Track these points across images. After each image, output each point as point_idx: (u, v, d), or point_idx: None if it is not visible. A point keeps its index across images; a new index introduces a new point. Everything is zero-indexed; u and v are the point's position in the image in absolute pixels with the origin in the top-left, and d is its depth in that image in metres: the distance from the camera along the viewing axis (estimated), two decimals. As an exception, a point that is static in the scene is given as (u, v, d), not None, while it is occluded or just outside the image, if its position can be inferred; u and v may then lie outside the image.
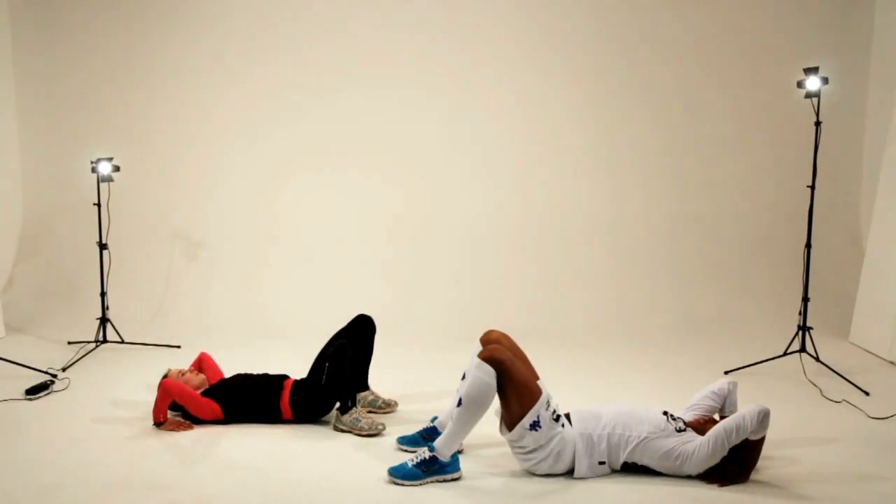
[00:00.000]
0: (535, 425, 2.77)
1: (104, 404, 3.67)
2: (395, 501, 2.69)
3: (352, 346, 3.40)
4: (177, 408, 3.40)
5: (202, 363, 3.72)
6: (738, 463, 2.82)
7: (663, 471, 2.84)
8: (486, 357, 2.76)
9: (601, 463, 2.84)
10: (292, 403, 3.36)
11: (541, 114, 5.58)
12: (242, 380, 3.52)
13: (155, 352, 4.61)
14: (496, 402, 2.85)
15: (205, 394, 3.43)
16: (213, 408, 3.36)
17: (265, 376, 3.53)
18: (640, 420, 2.85)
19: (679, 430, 2.84)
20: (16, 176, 5.62)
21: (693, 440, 2.81)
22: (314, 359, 3.46)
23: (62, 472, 2.88)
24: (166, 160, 5.62)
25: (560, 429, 2.82)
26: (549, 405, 2.82)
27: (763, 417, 2.70)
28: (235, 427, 3.37)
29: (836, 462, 3.02)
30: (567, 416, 2.93)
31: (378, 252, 5.55)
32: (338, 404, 3.34)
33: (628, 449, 2.82)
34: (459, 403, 2.79)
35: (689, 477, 2.81)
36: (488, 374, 2.74)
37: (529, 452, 2.82)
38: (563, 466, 2.84)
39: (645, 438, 2.81)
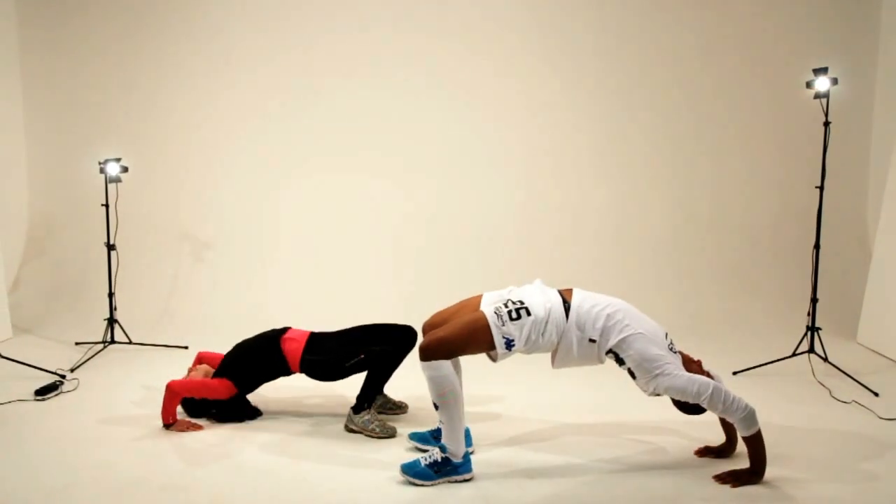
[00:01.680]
0: (508, 344, 2.77)
1: (114, 405, 3.67)
2: (407, 502, 2.68)
3: (393, 356, 3.37)
4: (196, 407, 3.40)
5: (202, 359, 3.74)
6: (687, 410, 2.88)
7: (637, 374, 2.80)
8: (424, 358, 2.75)
9: (591, 340, 2.79)
10: (304, 361, 3.37)
11: (548, 115, 5.58)
12: (241, 348, 3.54)
13: (163, 352, 4.62)
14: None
15: (213, 377, 3.46)
16: (225, 384, 3.38)
17: (260, 336, 3.54)
18: (643, 320, 2.84)
19: (672, 350, 2.84)
20: (22, 177, 5.64)
21: (679, 366, 2.80)
22: (348, 329, 3.47)
23: (75, 473, 2.88)
24: (173, 161, 5.63)
25: (527, 317, 2.77)
26: (500, 319, 2.78)
27: (747, 416, 2.70)
28: (245, 427, 3.37)
29: (847, 463, 3.01)
30: (567, 291, 2.89)
31: (385, 252, 5.55)
32: (353, 401, 3.34)
33: (621, 336, 2.76)
34: (436, 407, 2.80)
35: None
36: (436, 367, 2.74)
37: (527, 352, 2.84)
38: (553, 338, 2.80)
39: (641, 333, 2.77)
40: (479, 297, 2.98)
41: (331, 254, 5.55)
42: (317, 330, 3.57)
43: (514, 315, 2.78)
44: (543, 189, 5.61)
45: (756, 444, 2.76)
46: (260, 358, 3.44)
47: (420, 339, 3.42)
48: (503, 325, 2.77)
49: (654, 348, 2.77)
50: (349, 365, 3.34)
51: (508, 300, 2.84)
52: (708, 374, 2.88)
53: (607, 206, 5.59)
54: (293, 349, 3.40)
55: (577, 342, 2.80)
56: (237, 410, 3.45)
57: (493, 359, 2.89)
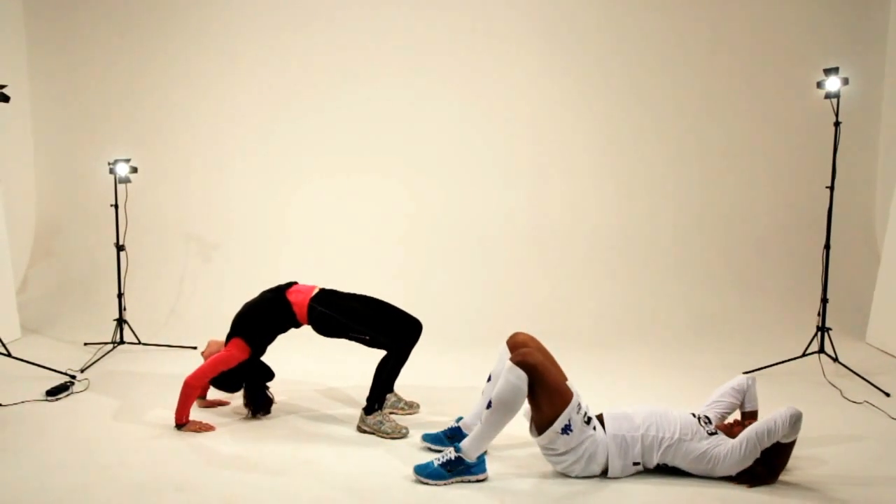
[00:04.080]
0: (566, 429, 2.77)
1: (125, 405, 3.67)
2: (421, 502, 2.68)
3: (400, 352, 3.38)
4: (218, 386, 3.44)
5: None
6: (767, 464, 2.82)
7: (695, 472, 2.84)
8: (519, 361, 2.75)
9: (635, 464, 2.85)
10: (312, 309, 3.37)
11: (556, 116, 5.58)
12: (245, 306, 3.53)
13: (171, 353, 4.61)
14: (526, 405, 2.84)
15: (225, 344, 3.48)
16: (238, 344, 3.39)
17: (264, 293, 3.54)
18: (672, 421, 2.86)
19: (710, 434, 2.84)
20: (30, 177, 5.64)
21: (724, 443, 2.81)
22: (364, 297, 3.47)
23: (89, 473, 2.88)
24: (179, 162, 5.63)
25: (592, 432, 2.82)
26: (580, 408, 2.82)
27: (795, 421, 2.70)
28: (258, 427, 3.37)
29: (861, 463, 3.01)
30: (599, 417, 2.93)
31: (391, 253, 5.55)
32: (364, 402, 3.33)
33: (661, 450, 2.82)
34: (489, 406, 2.79)
35: (719, 478, 2.82)
36: (520, 378, 2.73)
37: (560, 455, 2.82)
38: (596, 468, 2.84)
39: (678, 440, 2.81)
40: (566, 376, 2.96)
41: (338, 254, 5.55)
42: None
43: (586, 419, 2.83)
44: (551, 189, 5.61)
45: (788, 450, 2.77)
46: (266, 311, 3.44)
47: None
48: (577, 413, 2.80)
49: (696, 446, 2.80)
50: (353, 336, 3.37)
51: (585, 408, 2.87)
52: (748, 422, 2.92)
53: (615, 206, 5.59)
54: (300, 300, 3.40)
55: (622, 468, 2.84)
56: (258, 385, 3.48)
57: (532, 433, 2.89)
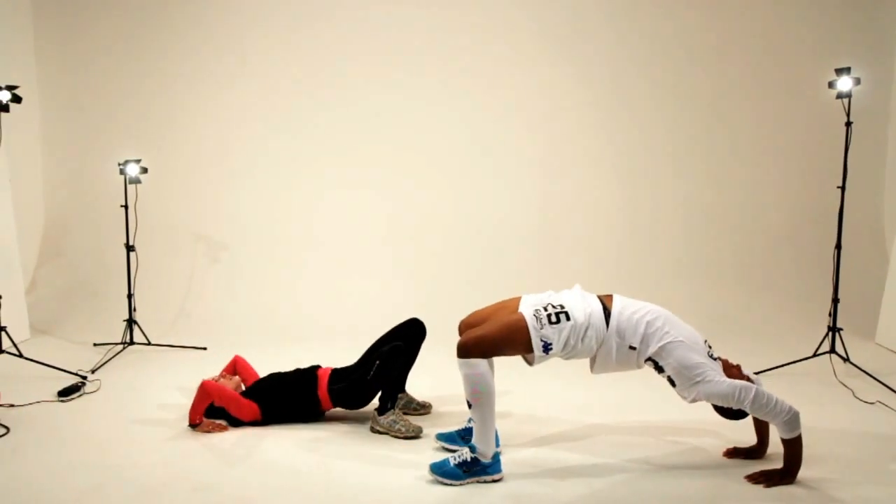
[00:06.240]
0: (545, 347, 2.76)
1: (137, 406, 3.67)
2: (436, 502, 2.68)
3: (408, 350, 3.39)
4: (212, 413, 3.40)
5: (236, 366, 3.72)
6: (730, 415, 2.85)
7: (677, 381, 2.78)
8: (459, 355, 2.76)
9: (631, 348, 2.78)
10: (332, 392, 3.37)
11: (566, 115, 5.59)
12: (277, 379, 3.52)
13: (182, 353, 4.61)
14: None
15: (242, 395, 3.44)
16: (253, 408, 3.37)
17: (297, 371, 3.53)
18: (682, 327, 2.82)
19: (712, 357, 2.82)
20: (39, 177, 5.64)
21: (719, 372, 2.78)
22: (363, 353, 3.49)
23: (104, 474, 2.88)
24: (187, 162, 5.63)
25: (566, 322, 2.76)
26: (539, 322, 2.76)
27: (791, 418, 2.69)
28: (272, 428, 3.37)
29: (878, 464, 3.00)
30: (603, 298, 2.87)
31: (401, 252, 5.56)
32: (377, 402, 3.34)
33: (661, 344, 2.75)
34: (469, 405, 2.79)
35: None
36: (472, 365, 2.74)
37: (566, 357, 2.82)
38: (594, 343, 2.78)
39: (680, 341, 2.75)
40: (518, 298, 2.97)
41: (347, 254, 5.55)
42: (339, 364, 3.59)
43: (553, 319, 2.77)
44: (561, 189, 5.61)
45: (795, 447, 2.75)
46: (296, 396, 3.41)
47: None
48: (542, 328, 2.76)
49: (694, 356, 2.75)
50: (371, 377, 3.31)
51: (549, 304, 2.83)
52: (748, 379, 2.87)
53: (626, 206, 5.59)
54: (322, 386, 3.40)
55: (617, 349, 2.78)
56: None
57: (530, 362, 2.88)
